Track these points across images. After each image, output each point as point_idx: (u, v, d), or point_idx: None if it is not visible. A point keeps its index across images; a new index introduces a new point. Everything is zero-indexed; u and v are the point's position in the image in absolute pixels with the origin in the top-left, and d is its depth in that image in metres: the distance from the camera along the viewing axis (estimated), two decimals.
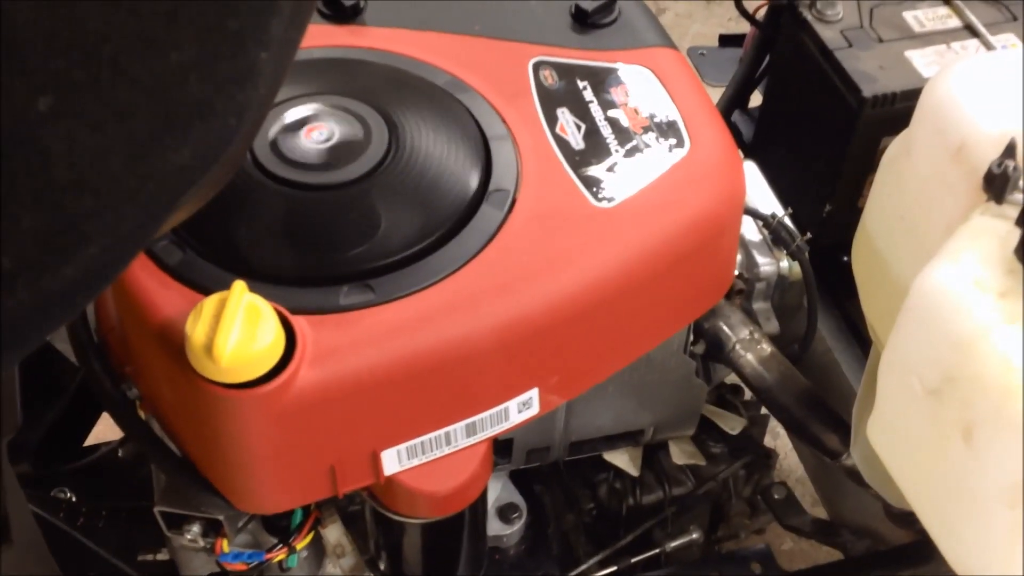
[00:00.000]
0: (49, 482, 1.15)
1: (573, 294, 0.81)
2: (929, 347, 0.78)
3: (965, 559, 0.81)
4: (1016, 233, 0.75)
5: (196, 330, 0.68)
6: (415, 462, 0.81)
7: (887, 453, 0.86)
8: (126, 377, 0.85)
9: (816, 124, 1.15)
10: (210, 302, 0.69)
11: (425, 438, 0.80)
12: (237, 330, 0.68)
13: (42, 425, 1.15)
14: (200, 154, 0.41)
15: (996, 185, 0.80)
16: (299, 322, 0.73)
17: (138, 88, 0.37)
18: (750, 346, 1.00)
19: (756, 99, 1.39)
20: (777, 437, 1.60)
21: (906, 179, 0.91)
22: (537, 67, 0.94)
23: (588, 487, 1.22)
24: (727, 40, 1.52)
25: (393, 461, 0.80)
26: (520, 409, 0.84)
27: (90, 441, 1.28)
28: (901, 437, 0.83)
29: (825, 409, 1.02)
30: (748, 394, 1.27)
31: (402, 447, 0.80)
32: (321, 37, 0.95)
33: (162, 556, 1.11)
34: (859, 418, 0.97)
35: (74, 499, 1.15)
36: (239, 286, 0.69)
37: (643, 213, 0.85)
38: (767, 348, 1.00)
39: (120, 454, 1.21)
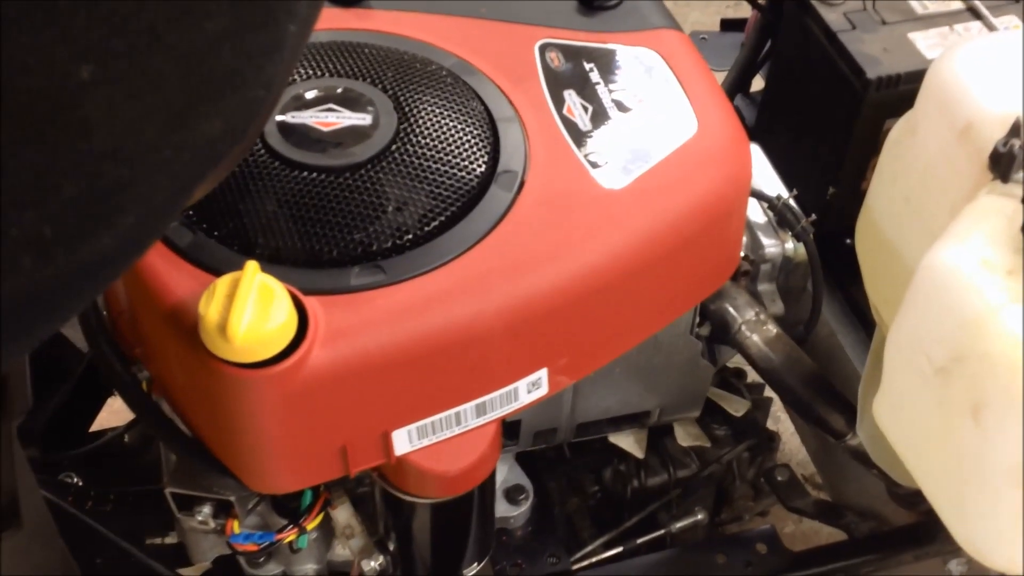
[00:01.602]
0: (55, 467, 1.15)
1: (581, 275, 0.81)
2: (937, 327, 0.78)
3: (972, 537, 0.81)
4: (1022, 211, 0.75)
5: (209, 310, 0.68)
6: (425, 442, 0.82)
7: (894, 432, 0.86)
8: (136, 360, 0.86)
9: (819, 107, 1.16)
10: (223, 282, 0.69)
11: (435, 418, 0.81)
12: (250, 310, 0.68)
13: (48, 410, 1.15)
14: (231, 125, 0.42)
15: (1002, 164, 0.80)
16: (311, 302, 0.73)
17: (174, 57, 0.37)
18: (756, 327, 1.00)
19: (758, 83, 1.39)
20: (779, 421, 1.60)
21: (911, 160, 0.91)
22: (543, 49, 0.94)
23: (592, 471, 1.23)
24: (728, 25, 1.52)
25: (404, 441, 0.80)
26: (529, 389, 0.84)
27: (92, 429, 1.28)
28: (908, 416, 0.84)
29: (830, 390, 1.03)
30: (751, 377, 1.28)
31: (413, 427, 0.80)
32: (328, 20, 0.95)
33: (170, 540, 1.12)
34: (865, 398, 0.97)
35: (81, 484, 1.15)
36: (252, 266, 0.70)
37: (651, 194, 0.85)
38: (773, 329, 1.01)
39: (126, 439, 1.21)
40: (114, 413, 1.36)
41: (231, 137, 0.42)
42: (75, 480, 1.15)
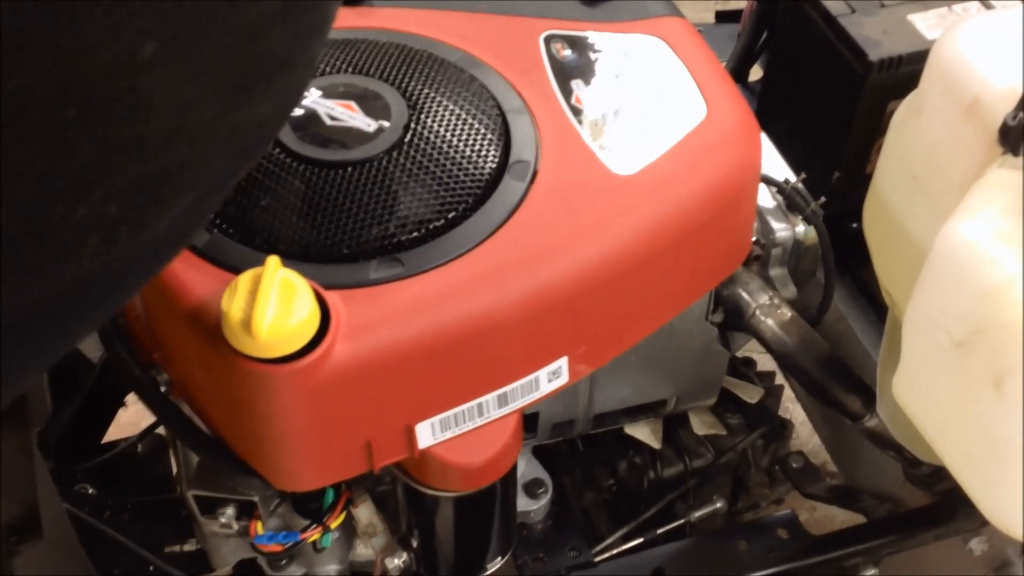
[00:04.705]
0: (70, 478, 1.15)
1: (598, 262, 0.81)
2: (956, 300, 0.78)
3: (998, 507, 0.81)
4: None
5: (232, 306, 0.68)
6: (448, 435, 0.81)
7: (915, 409, 0.87)
8: (154, 364, 0.85)
9: (821, 92, 1.16)
10: (245, 278, 0.69)
11: (458, 410, 0.80)
12: (273, 305, 0.68)
13: (61, 422, 1.14)
14: (278, 107, 0.42)
15: (1012, 137, 0.81)
16: (331, 297, 0.73)
17: (230, 36, 0.37)
18: (770, 311, 1.00)
19: (755, 73, 1.40)
20: (787, 411, 1.60)
21: (917, 140, 0.92)
22: (548, 41, 0.94)
23: (607, 464, 1.23)
24: (723, 16, 1.52)
25: (427, 434, 0.80)
26: (550, 379, 0.84)
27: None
28: (929, 392, 0.84)
29: (846, 372, 1.03)
30: (761, 365, 1.28)
31: (435, 419, 0.80)
32: None
33: (188, 547, 1.11)
34: (883, 378, 0.97)
35: (95, 494, 1.15)
36: (273, 261, 0.69)
37: (663, 180, 0.85)
38: (787, 313, 1.01)
39: (139, 449, 1.21)
40: (121, 427, 1.35)
41: (278, 119, 0.42)
42: (89, 491, 1.15)
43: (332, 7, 0.42)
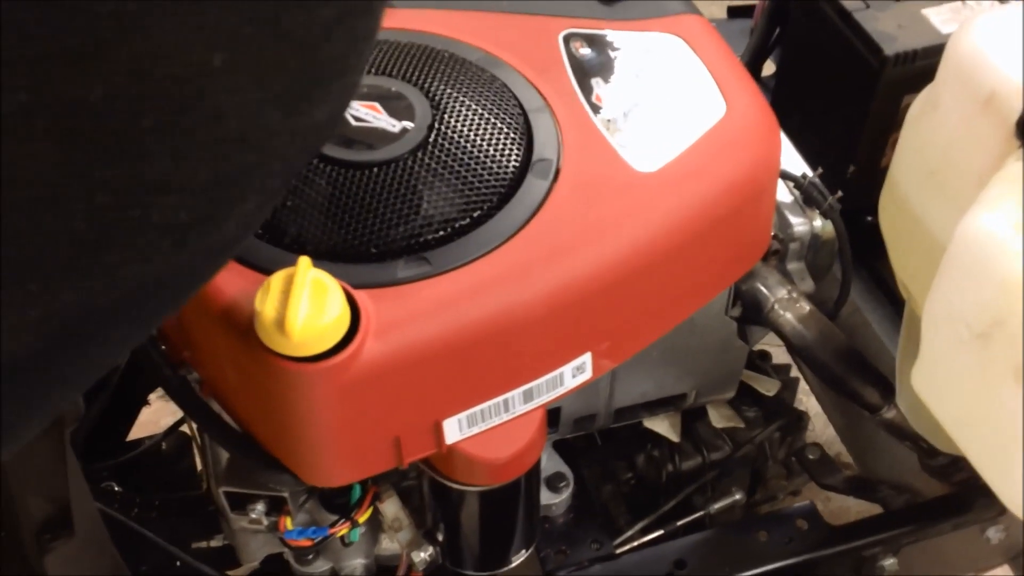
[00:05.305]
0: (96, 476, 1.16)
1: (621, 258, 0.82)
2: (975, 293, 0.79)
3: (1017, 498, 0.82)
4: None
5: (266, 306, 0.69)
6: (475, 430, 0.83)
7: (935, 401, 0.87)
8: (184, 363, 0.86)
9: (836, 87, 1.17)
10: (277, 279, 0.70)
11: (484, 406, 0.82)
12: (306, 304, 0.69)
13: (88, 420, 1.16)
14: (333, 111, 0.43)
15: None
16: (361, 296, 0.74)
17: (292, 43, 0.38)
18: (789, 305, 1.01)
19: (768, 68, 1.40)
20: (801, 404, 1.61)
21: (934, 134, 0.92)
22: (567, 39, 0.95)
23: (625, 458, 1.24)
24: (736, 12, 1.53)
25: (454, 430, 0.81)
26: (574, 374, 0.85)
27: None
28: (949, 384, 0.85)
29: (864, 364, 1.04)
30: (776, 358, 1.29)
31: (463, 415, 0.81)
32: None
33: (214, 543, 1.13)
34: (902, 370, 0.98)
35: (121, 492, 1.16)
36: (304, 261, 0.71)
37: (684, 177, 0.86)
38: (806, 306, 1.02)
39: (163, 447, 1.22)
40: (140, 425, 1.37)
41: (332, 123, 0.43)
42: (115, 488, 1.16)
43: (381, 12, 0.43)
